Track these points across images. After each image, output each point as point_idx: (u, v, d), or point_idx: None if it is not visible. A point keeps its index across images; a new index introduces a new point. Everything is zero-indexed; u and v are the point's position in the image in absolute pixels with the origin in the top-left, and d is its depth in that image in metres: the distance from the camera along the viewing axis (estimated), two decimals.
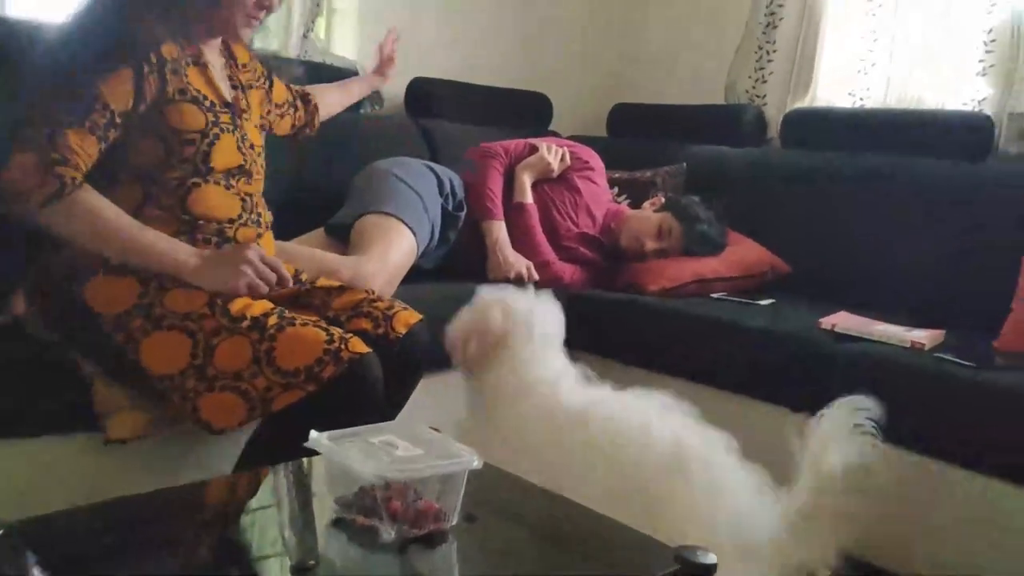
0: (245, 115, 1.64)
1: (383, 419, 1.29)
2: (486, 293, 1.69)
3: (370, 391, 1.44)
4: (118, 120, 1.42)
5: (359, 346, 1.43)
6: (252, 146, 1.63)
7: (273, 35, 2.99)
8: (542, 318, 1.66)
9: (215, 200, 1.54)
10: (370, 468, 1.00)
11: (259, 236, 1.62)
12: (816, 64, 2.90)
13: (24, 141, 1.38)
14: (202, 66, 1.56)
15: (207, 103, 1.53)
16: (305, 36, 2.76)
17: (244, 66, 1.71)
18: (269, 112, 1.87)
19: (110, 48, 1.42)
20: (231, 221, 1.56)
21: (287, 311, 1.48)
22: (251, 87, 1.73)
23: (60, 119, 1.38)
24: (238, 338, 1.41)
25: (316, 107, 2.07)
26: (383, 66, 2.36)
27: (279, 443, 1.36)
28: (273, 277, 1.49)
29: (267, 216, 1.67)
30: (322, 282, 1.70)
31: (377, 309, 1.60)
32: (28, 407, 1.48)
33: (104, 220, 1.42)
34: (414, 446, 1.07)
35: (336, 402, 1.39)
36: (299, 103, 2.02)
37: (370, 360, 1.44)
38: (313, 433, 1.07)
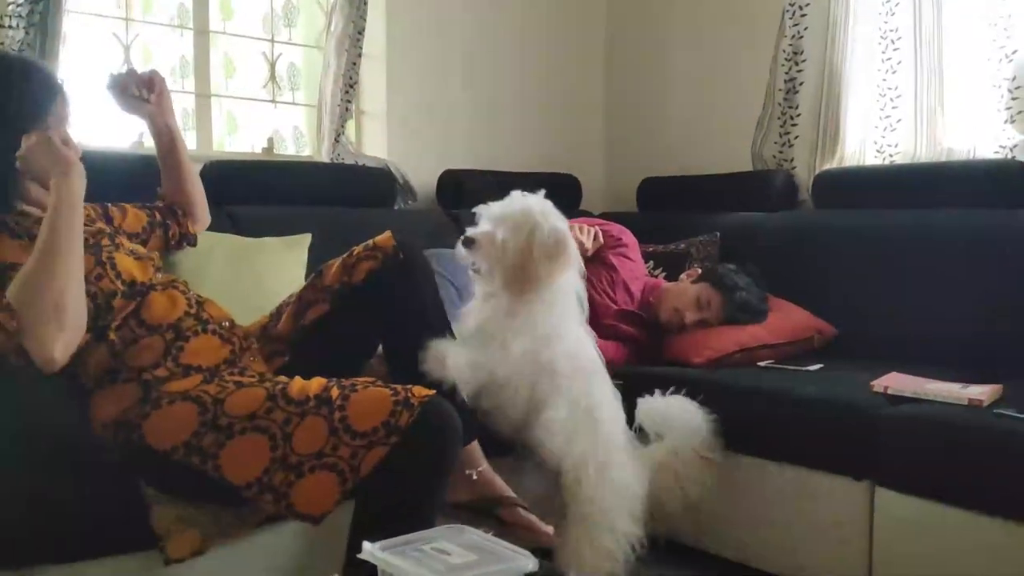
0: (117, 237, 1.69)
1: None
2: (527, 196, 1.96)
3: (450, 429, 1.47)
4: None
5: (423, 391, 1.47)
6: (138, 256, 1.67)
7: (306, 142, 3.11)
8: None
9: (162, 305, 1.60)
10: None
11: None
12: (841, 124, 2.91)
13: None
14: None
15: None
16: (337, 140, 2.85)
17: None
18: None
19: None
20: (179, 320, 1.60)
21: (344, 380, 1.51)
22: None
23: None
24: (311, 419, 1.43)
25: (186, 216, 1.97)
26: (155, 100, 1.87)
27: (388, 517, 1.37)
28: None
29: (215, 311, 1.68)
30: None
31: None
32: (88, 529, 1.48)
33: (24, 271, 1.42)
34: (467, 551, 1.06)
35: (423, 450, 1.42)
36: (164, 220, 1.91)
37: (439, 400, 1.48)
38: (366, 545, 1.07)
